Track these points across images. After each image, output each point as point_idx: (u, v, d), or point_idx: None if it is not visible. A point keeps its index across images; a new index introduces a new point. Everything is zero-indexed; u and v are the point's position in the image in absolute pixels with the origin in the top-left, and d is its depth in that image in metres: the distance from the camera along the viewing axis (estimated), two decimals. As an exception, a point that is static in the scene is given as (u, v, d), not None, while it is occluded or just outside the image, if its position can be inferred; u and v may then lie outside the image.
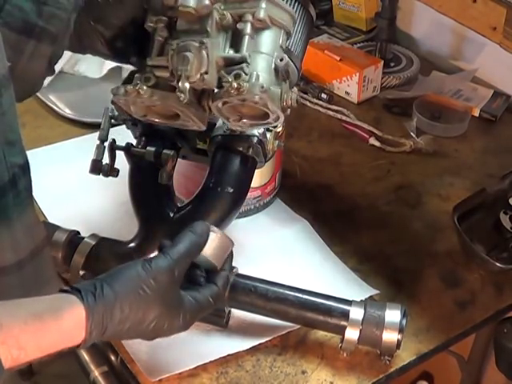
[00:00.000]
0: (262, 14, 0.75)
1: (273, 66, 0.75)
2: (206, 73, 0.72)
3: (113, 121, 0.86)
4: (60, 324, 0.59)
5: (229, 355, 0.87)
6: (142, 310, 0.66)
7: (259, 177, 1.05)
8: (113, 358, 0.88)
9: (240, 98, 0.73)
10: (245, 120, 0.79)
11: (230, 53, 0.75)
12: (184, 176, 1.02)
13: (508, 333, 1.05)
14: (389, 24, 1.43)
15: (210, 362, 0.86)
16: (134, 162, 0.91)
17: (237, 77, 0.72)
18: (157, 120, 0.79)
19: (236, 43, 0.75)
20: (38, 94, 1.26)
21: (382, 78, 1.40)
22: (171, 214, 0.90)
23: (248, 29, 0.75)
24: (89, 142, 0.99)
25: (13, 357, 0.56)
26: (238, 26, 0.75)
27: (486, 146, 1.28)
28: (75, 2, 0.74)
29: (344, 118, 1.32)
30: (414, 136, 1.25)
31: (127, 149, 0.89)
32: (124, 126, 0.92)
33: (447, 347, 0.95)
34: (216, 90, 0.74)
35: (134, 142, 0.93)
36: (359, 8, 1.54)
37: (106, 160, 0.87)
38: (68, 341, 0.61)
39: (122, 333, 0.66)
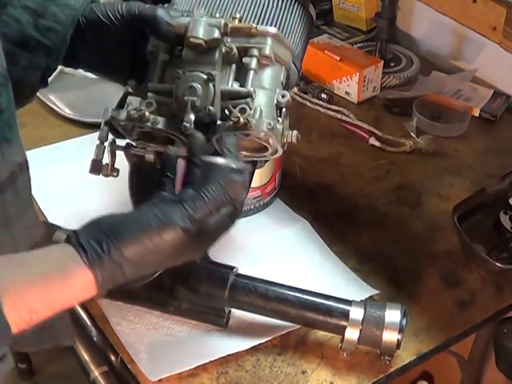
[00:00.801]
0: (267, 51, 0.76)
1: (275, 101, 0.77)
2: (212, 105, 0.73)
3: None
4: (69, 284, 0.57)
5: (229, 355, 0.87)
6: (156, 263, 0.62)
7: (259, 177, 1.05)
8: (113, 358, 0.88)
9: (245, 133, 0.74)
10: (241, 152, 0.79)
11: (235, 86, 0.75)
12: (184, 176, 1.02)
13: (508, 333, 1.05)
14: (389, 24, 1.43)
15: (210, 361, 0.86)
16: (134, 162, 0.91)
17: (242, 111, 0.72)
18: (151, 144, 0.80)
19: (239, 76, 0.76)
20: (37, 93, 1.26)
21: (382, 78, 1.40)
22: (171, 214, 0.90)
23: (253, 64, 0.76)
24: (89, 141, 0.99)
25: (24, 319, 0.55)
26: (244, 60, 0.76)
27: (486, 146, 1.28)
28: (73, 18, 0.74)
29: (344, 118, 1.32)
30: (414, 136, 1.25)
31: (127, 149, 0.89)
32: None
33: (447, 347, 0.95)
34: (219, 122, 0.75)
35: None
36: (359, 8, 1.54)
37: (106, 160, 0.86)
38: (79, 297, 0.59)
39: (141, 274, 0.62)
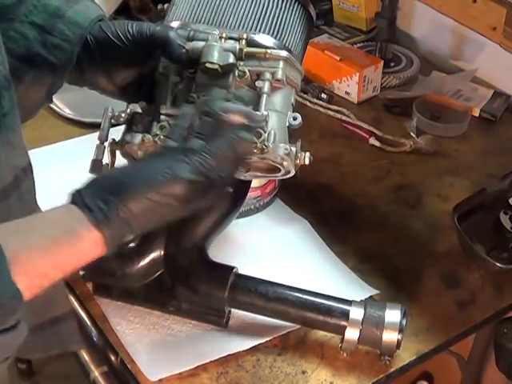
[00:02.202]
0: (280, 75, 0.77)
1: (287, 124, 0.78)
2: None
3: (113, 121, 0.87)
4: (78, 246, 0.58)
5: (229, 355, 0.87)
6: (162, 217, 0.63)
7: (259, 177, 1.05)
8: (113, 358, 0.88)
9: (261, 157, 0.74)
10: (252, 172, 0.80)
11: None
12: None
13: (508, 333, 1.05)
14: (389, 24, 1.43)
15: (210, 361, 0.86)
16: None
17: (257, 135, 0.73)
18: None
19: (252, 99, 0.76)
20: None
21: (382, 78, 1.40)
22: (171, 214, 0.90)
23: (266, 88, 0.76)
24: (89, 142, 0.99)
25: (36, 285, 0.56)
26: (257, 83, 0.76)
27: (485, 146, 1.28)
28: (81, 36, 0.74)
29: (344, 117, 1.32)
30: (414, 136, 1.25)
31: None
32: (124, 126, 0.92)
33: (447, 347, 0.95)
34: None
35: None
36: (359, 8, 1.54)
37: (106, 160, 0.87)
38: (87, 259, 0.60)
39: (146, 229, 0.63)
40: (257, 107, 0.76)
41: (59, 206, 0.60)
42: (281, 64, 0.77)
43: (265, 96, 0.76)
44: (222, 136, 0.65)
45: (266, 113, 0.75)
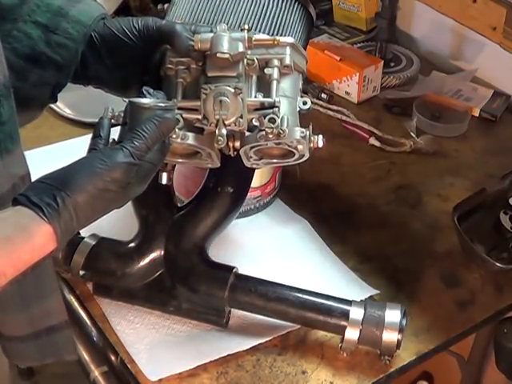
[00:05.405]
0: (288, 61, 0.78)
1: (297, 109, 0.78)
2: (241, 117, 0.74)
3: (113, 121, 0.87)
4: (32, 244, 0.58)
5: (229, 355, 0.87)
6: (106, 205, 0.65)
7: (259, 177, 1.05)
8: (113, 358, 0.88)
9: (277, 142, 0.75)
10: (265, 160, 0.80)
11: (260, 97, 0.76)
12: (184, 176, 1.02)
13: (508, 333, 1.05)
14: (389, 24, 1.43)
15: (210, 361, 0.86)
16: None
17: (272, 121, 0.73)
18: (173, 159, 0.80)
19: (261, 87, 0.77)
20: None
21: (382, 78, 1.40)
22: (171, 214, 0.90)
23: (276, 74, 0.77)
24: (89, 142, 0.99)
25: None
26: (266, 71, 0.77)
27: (485, 146, 1.28)
28: (84, 34, 0.74)
29: (344, 118, 1.32)
30: (414, 136, 1.25)
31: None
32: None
33: (447, 347, 0.95)
34: (248, 134, 0.76)
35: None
36: (359, 8, 1.54)
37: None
38: (41, 254, 0.60)
39: (91, 221, 0.65)
40: (267, 94, 0.76)
41: (6, 210, 0.60)
42: (288, 50, 0.78)
43: (275, 83, 0.76)
44: (146, 120, 0.68)
45: (278, 99, 0.75)
